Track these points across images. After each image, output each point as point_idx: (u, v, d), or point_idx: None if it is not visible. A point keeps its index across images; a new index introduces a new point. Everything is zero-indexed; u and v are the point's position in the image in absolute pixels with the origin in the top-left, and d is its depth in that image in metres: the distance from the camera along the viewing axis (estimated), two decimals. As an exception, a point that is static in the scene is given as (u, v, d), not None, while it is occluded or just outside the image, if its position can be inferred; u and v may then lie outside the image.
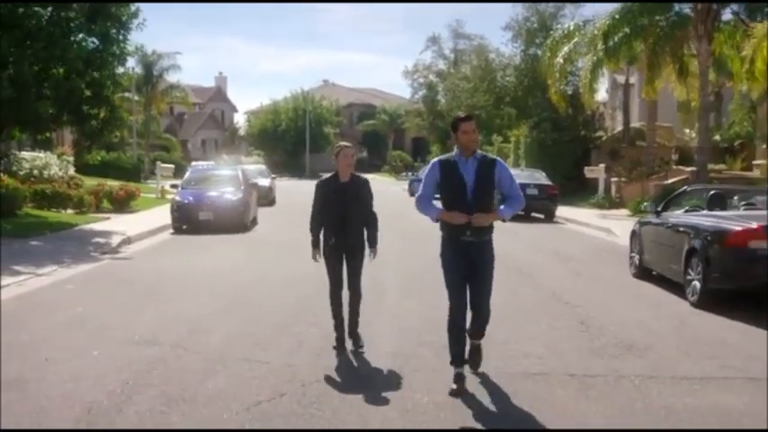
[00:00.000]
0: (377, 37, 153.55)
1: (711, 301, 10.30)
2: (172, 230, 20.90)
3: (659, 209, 13.06)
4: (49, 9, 19.89)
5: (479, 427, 5.69)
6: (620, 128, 39.26)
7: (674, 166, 32.22)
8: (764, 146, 29.85)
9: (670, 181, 27.95)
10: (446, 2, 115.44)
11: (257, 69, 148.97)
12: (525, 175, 27.13)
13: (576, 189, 33.87)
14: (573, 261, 15.69)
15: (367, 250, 7.94)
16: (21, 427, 5.08)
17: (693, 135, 36.52)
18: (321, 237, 7.88)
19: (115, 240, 17.89)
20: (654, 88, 29.89)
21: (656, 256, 12.50)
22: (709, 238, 10.50)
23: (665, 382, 6.92)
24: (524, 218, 23.96)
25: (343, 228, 7.75)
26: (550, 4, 41.27)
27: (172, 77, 58.92)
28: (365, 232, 7.93)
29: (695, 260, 10.64)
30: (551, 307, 10.55)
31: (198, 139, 79.95)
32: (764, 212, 10.80)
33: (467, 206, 6.49)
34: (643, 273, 13.04)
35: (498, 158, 6.91)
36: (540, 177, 27.74)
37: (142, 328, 8.91)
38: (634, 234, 13.73)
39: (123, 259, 15.77)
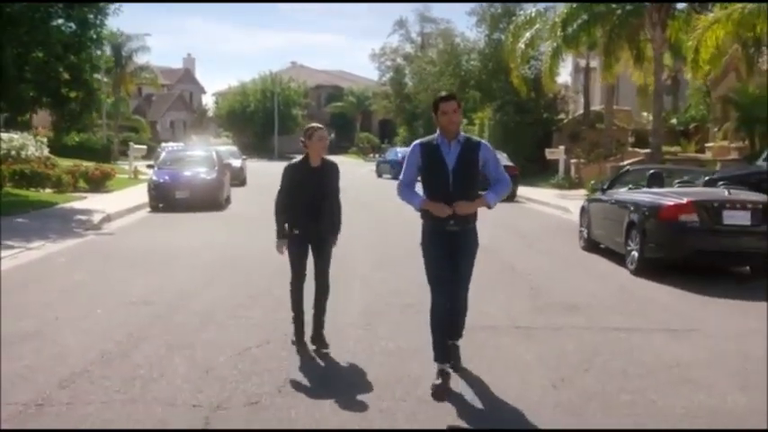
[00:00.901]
0: (344, 19, 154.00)
1: (648, 268, 11.50)
2: (149, 209, 21.79)
3: (605, 187, 14.28)
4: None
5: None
6: (582, 111, 40.59)
7: (631, 149, 33.55)
8: (716, 129, 31.22)
9: (626, 162, 29.19)
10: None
11: (225, 50, 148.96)
12: (489, 157, 28.22)
13: (538, 170, 35.07)
14: (529, 237, 16.84)
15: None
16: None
17: (651, 118, 37.93)
18: (287, 226, 7.20)
19: (96, 218, 18.74)
20: (611, 73, 31.21)
21: (601, 230, 13.70)
22: (645, 212, 11.69)
23: (597, 332, 8.08)
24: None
25: (314, 215, 7.07)
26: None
27: (141, 59, 59.29)
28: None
29: (634, 232, 11.83)
30: (506, 276, 11.65)
31: (167, 120, 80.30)
32: (694, 189, 12.02)
33: (449, 193, 6.09)
34: (591, 246, 14.23)
35: (483, 141, 6.48)
36: (502, 158, 28.82)
37: (136, 293, 9.89)
38: (583, 210, 14.93)
39: (106, 235, 16.67)
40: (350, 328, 8.06)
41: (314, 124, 7.41)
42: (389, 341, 7.57)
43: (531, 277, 11.50)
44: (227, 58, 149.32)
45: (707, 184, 13.49)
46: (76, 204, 22.09)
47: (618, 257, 12.68)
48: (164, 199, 21.67)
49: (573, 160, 33.64)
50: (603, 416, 5.62)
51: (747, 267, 11.93)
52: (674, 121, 38.82)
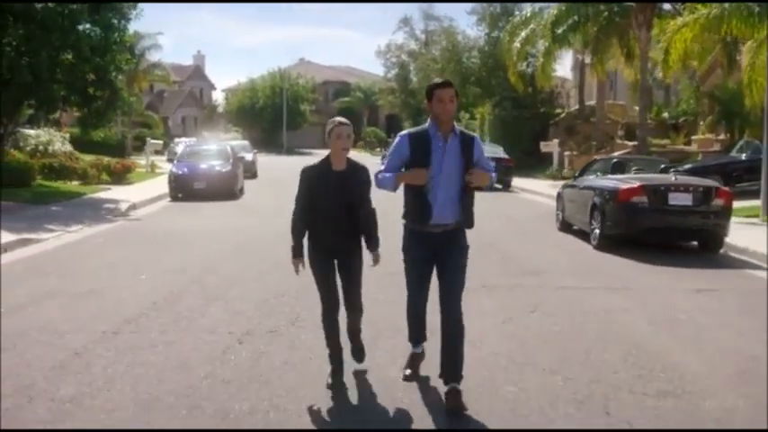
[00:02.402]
0: (349, 11, 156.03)
1: (608, 244, 13.37)
2: (169, 198, 23.72)
3: (577, 174, 16.15)
4: (56, 3, 22.47)
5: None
6: (590, 102, 42.35)
7: (621, 141, 35.33)
8: (701, 122, 33.02)
9: (615, 154, 30.99)
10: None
11: (234, 46, 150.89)
12: (485, 149, 30.12)
13: (534, 162, 36.89)
14: (515, 221, 18.70)
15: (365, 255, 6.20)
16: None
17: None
18: (306, 241, 6.20)
19: (123, 206, 20.69)
20: (603, 69, 33.07)
21: (572, 212, 15.57)
22: (606, 195, 13.56)
23: (548, 289, 9.98)
24: (485, 187, 26.88)
25: (337, 228, 5.98)
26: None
27: (153, 56, 61.12)
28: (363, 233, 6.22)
29: (596, 213, 13.71)
30: (484, 251, 13.39)
31: (178, 116, 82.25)
32: (647, 175, 13.90)
33: (434, 195, 5.61)
34: (565, 226, 16.11)
35: (476, 135, 5.97)
36: (498, 151, 30.73)
37: (170, 264, 11.80)
38: (559, 196, 16.81)
39: (134, 220, 18.61)
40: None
41: (337, 118, 6.12)
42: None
43: (508, 251, 13.37)
44: (237, 55, 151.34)
45: (688, 172, 15.37)
46: (102, 195, 24.05)
47: (585, 235, 14.55)
48: (183, 189, 23.60)
49: (566, 153, 35.42)
50: (535, 340, 7.48)
51: (696, 243, 13.79)
52: (665, 114, 40.64)
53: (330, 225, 6.00)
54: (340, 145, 5.92)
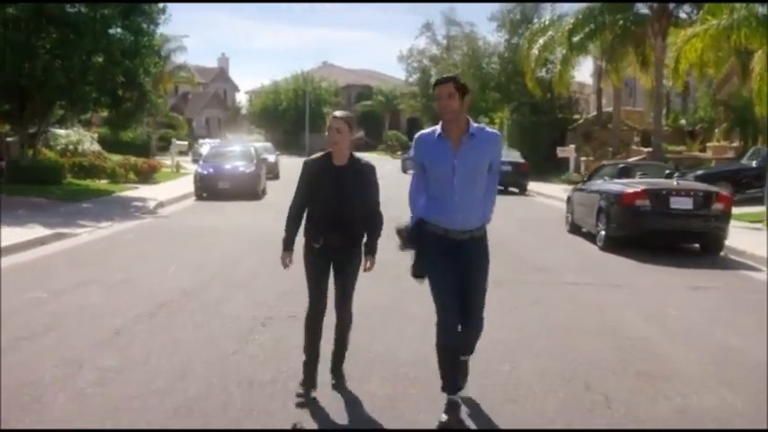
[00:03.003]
0: (373, 13, 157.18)
1: (613, 245, 14.02)
2: (195, 197, 24.55)
3: (586, 179, 16.79)
4: (89, 8, 23.36)
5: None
6: (607, 109, 42.94)
7: (636, 147, 35.85)
8: (716, 130, 33.53)
9: (630, 160, 31.55)
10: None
11: (257, 48, 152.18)
12: (502, 154, 30.83)
13: (551, 167, 37.45)
14: (527, 223, 19.34)
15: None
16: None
17: (662, 120, 40.25)
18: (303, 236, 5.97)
19: (151, 204, 21.51)
20: (619, 77, 33.65)
21: (581, 215, 16.21)
22: (611, 199, 14.21)
23: (551, 284, 10.68)
24: (500, 191, 27.61)
25: (334, 226, 5.73)
26: (532, -2, 44.96)
27: (178, 58, 62.15)
28: (364, 235, 5.90)
29: (602, 215, 14.36)
30: (496, 250, 14.06)
31: (202, 117, 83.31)
32: (651, 180, 14.54)
33: (453, 203, 5.22)
34: (574, 228, 16.74)
35: (497, 133, 5.63)
36: (515, 155, 31.39)
37: (197, 258, 12.58)
38: (569, 199, 17.45)
39: (162, 218, 19.42)
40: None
41: (335, 112, 5.92)
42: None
43: (517, 251, 14.03)
44: (260, 57, 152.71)
45: (699, 178, 16.03)
46: (130, 193, 24.91)
47: (593, 238, 15.18)
48: (208, 189, 24.42)
49: (582, 158, 35.99)
50: (532, 328, 8.16)
51: (698, 245, 14.40)
52: (683, 121, 41.12)
53: (325, 222, 5.76)
54: (330, 138, 5.70)
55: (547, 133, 39.70)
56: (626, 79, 43.27)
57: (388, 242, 5.86)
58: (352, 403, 5.75)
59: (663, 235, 13.75)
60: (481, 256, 5.46)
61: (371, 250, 5.90)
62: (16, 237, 13.85)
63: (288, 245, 5.99)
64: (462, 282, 5.35)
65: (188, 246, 14.18)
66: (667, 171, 16.29)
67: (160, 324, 7.93)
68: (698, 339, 7.97)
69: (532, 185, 31.15)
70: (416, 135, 5.51)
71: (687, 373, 6.69)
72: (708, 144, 34.01)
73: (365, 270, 5.90)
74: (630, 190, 13.88)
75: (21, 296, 9.10)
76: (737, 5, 19.06)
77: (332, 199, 5.70)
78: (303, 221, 5.93)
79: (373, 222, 5.87)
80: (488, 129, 5.48)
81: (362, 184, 5.74)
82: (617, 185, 14.58)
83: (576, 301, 9.64)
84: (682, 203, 13.52)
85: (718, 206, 13.60)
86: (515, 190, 30.15)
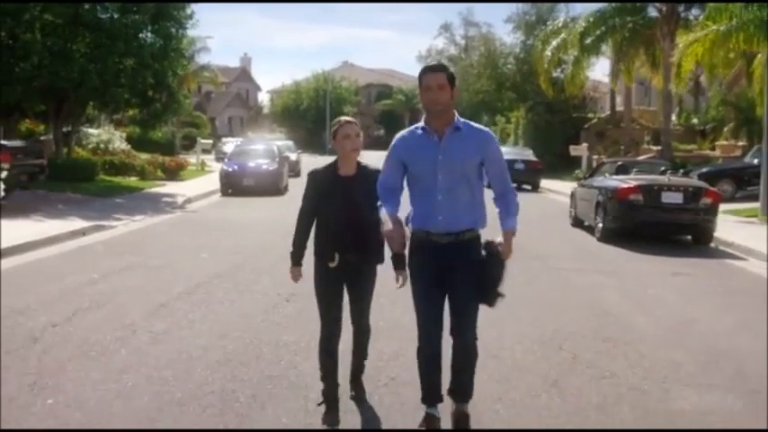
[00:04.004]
0: (391, 13, 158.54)
1: (608, 236, 15.14)
2: (220, 194, 25.84)
3: (587, 175, 17.90)
4: (121, 14, 24.68)
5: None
6: (619, 108, 43.91)
7: (647, 146, 36.86)
8: (725, 129, 34.47)
9: (640, 158, 32.58)
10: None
11: (278, 48, 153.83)
12: (515, 152, 32.09)
13: (565, 165, 38.43)
14: (534, 217, 20.40)
15: (384, 273, 5.52)
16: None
17: (673, 119, 41.23)
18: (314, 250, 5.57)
19: (179, 200, 22.83)
20: (631, 77, 34.69)
21: (582, 209, 17.34)
22: (608, 194, 15.32)
23: (546, 269, 11.86)
24: (515, 188, 28.77)
25: (345, 241, 5.35)
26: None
27: (202, 59, 63.55)
28: (382, 247, 5.42)
29: (599, 209, 15.48)
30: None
31: (225, 116, 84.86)
32: (645, 176, 15.66)
33: (436, 202, 4.84)
34: (576, 222, 17.87)
35: (488, 131, 5.08)
36: (528, 154, 32.52)
37: (227, 247, 13.81)
38: (572, 195, 18.57)
39: (191, 212, 20.71)
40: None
41: (340, 118, 5.58)
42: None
43: (520, 241, 15.00)
44: (281, 56, 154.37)
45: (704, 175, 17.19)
46: (159, 189, 26.26)
47: (592, 230, 16.30)
48: (233, 185, 25.71)
49: (595, 156, 37.00)
50: (520, 304, 9.31)
51: (690, 237, 15.48)
52: (695, 121, 42.03)
53: (336, 237, 5.37)
54: (349, 146, 5.31)
55: (561, 132, 40.74)
56: (641, 79, 44.36)
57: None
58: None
59: (655, 227, 14.85)
60: (468, 264, 4.90)
61: (399, 263, 5.25)
62: (61, 228, 15.18)
63: (297, 259, 5.66)
64: (448, 290, 4.96)
65: (217, 237, 15.40)
66: (662, 168, 17.38)
67: (199, 299, 9.17)
68: (664, 313, 9.13)
69: (545, 183, 32.25)
70: (397, 135, 5.08)
71: (647, 337, 7.85)
72: (717, 143, 34.93)
73: (398, 287, 5.29)
74: (625, 185, 15.00)
75: (76, 277, 10.38)
76: (736, 11, 20.03)
77: (344, 212, 5.30)
78: (312, 238, 5.56)
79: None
80: (478, 126, 4.97)
81: (373, 193, 5.13)
82: (614, 181, 15.71)
83: (564, 283, 10.81)
84: (672, 198, 14.63)
85: (706, 201, 14.71)
86: (528, 187, 31.23)
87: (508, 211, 5.05)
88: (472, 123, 4.97)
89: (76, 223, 16.14)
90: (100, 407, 5.56)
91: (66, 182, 23.45)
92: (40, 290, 9.51)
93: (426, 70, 4.86)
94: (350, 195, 5.29)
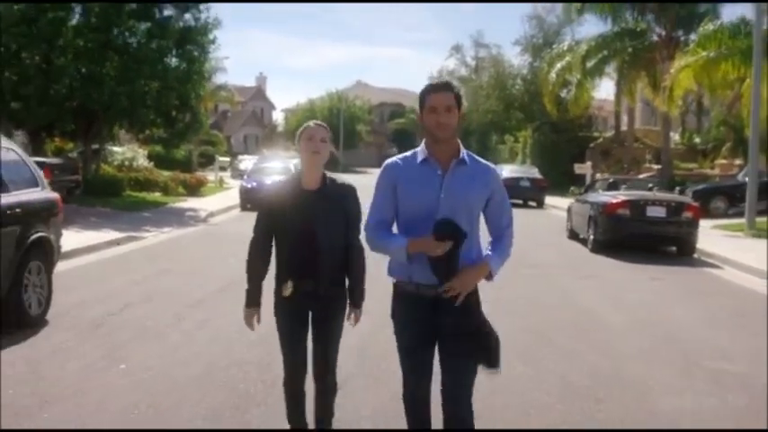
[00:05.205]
0: (406, 32, 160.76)
1: (598, 247, 16.52)
2: (240, 208, 27.33)
3: (583, 191, 19.32)
4: (147, 39, 26.25)
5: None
6: (624, 128, 45.35)
7: (649, 165, 38.22)
8: (723, 148, 35.83)
9: (641, 176, 33.95)
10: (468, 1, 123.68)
11: (292, 67, 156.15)
12: (521, 170, 33.64)
13: (570, 183, 39.86)
14: (534, 231, 21.80)
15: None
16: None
17: (676, 138, 42.68)
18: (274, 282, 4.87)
19: (202, 214, 24.31)
20: (633, 98, 36.13)
21: (576, 223, 18.73)
22: (598, 208, 16.71)
23: (536, 275, 13.22)
24: (520, 205, 30.28)
25: (308, 268, 4.59)
26: (554, 23, 47.71)
27: (219, 79, 65.28)
28: (345, 277, 4.75)
29: (591, 222, 16.86)
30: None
31: (240, 134, 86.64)
32: (632, 192, 17.06)
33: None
34: (572, 235, 19.26)
35: (493, 167, 4.37)
36: (533, 172, 33.95)
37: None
38: (569, 209, 19.97)
39: (213, 225, 22.19)
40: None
41: (310, 122, 4.76)
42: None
43: (518, 251, 16.48)
44: (295, 75, 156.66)
45: (695, 194, 18.68)
46: (182, 204, 27.74)
47: (585, 242, 17.67)
48: (252, 201, 27.15)
49: (598, 174, 38.35)
50: (506, 300, 10.69)
51: (674, 248, 16.83)
52: (697, 140, 43.39)
53: (295, 263, 4.61)
54: (311, 147, 4.53)
55: (566, 151, 42.13)
56: (647, 100, 45.76)
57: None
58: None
59: (641, 238, 16.22)
60: (463, 325, 4.11)
61: (359, 297, 4.73)
62: (98, 238, 16.67)
63: (253, 298, 4.88)
64: (439, 354, 4.22)
65: (241, 247, 16.71)
66: (650, 185, 18.77)
67: (231, 295, 10.52)
68: (634, 309, 10.52)
69: (549, 200, 33.61)
70: (387, 161, 4.28)
71: (613, 327, 9.24)
72: (716, 162, 36.27)
73: (352, 324, 4.79)
74: (614, 200, 16.41)
75: (119, 279, 11.86)
76: (725, 39, 21.47)
77: (302, 233, 4.54)
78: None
79: (354, 259, 4.69)
80: (483, 161, 4.25)
81: (341, 213, 4.59)
82: (604, 197, 17.11)
83: (551, 286, 12.22)
84: (656, 212, 16.02)
85: (687, 214, 16.10)
86: (533, 204, 32.65)
87: (499, 250, 4.27)
88: (476, 157, 4.24)
89: (111, 234, 17.61)
90: (164, 370, 6.99)
91: (95, 197, 24.99)
92: (90, 289, 10.96)
93: (431, 90, 4.10)
94: (310, 212, 4.52)
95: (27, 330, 8.18)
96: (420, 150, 4.15)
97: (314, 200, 4.57)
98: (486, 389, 5.37)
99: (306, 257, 4.58)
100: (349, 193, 4.69)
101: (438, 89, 4.10)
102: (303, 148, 4.60)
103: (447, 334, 4.13)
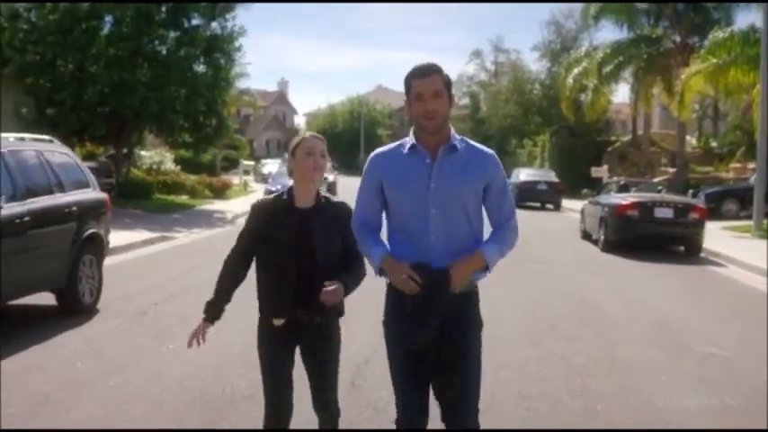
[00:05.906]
0: (426, 37, 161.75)
1: (609, 247, 17.28)
2: (264, 211, 28.24)
3: (595, 193, 20.09)
4: (176, 48, 27.23)
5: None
6: (640, 132, 45.99)
7: (665, 168, 38.83)
8: (738, 152, 36.40)
9: (656, 179, 34.60)
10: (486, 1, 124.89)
11: (313, 71, 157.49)
12: (539, 174, 34.45)
13: (587, 186, 40.47)
14: (549, 232, 22.63)
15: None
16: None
17: (693, 142, 43.28)
18: (250, 302, 4.58)
19: (229, 216, 25.27)
20: (649, 103, 36.80)
21: (589, 224, 19.50)
22: (608, 210, 17.48)
23: (544, 270, 14.05)
24: (538, 207, 31.17)
25: (298, 293, 4.12)
26: (572, 29, 48.48)
27: (242, 84, 66.36)
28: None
29: (602, 223, 17.62)
30: (513, 251, 17.56)
31: (263, 139, 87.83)
32: (642, 194, 17.82)
33: (425, 244, 3.71)
34: (585, 236, 20.03)
35: (491, 152, 3.85)
36: (551, 175, 34.71)
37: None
38: (582, 211, 20.74)
39: (241, 226, 22.92)
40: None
41: (305, 132, 4.37)
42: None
43: (531, 250, 17.28)
44: (316, 80, 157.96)
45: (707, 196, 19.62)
46: (209, 207, 28.75)
47: (597, 242, 18.43)
48: (276, 203, 28.07)
49: (614, 178, 39.00)
50: (514, 291, 11.50)
51: (682, 247, 17.56)
52: (713, 144, 43.94)
53: (283, 288, 4.18)
54: (311, 164, 4.12)
55: (583, 154, 42.77)
56: (665, 105, 46.33)
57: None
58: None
59: (650, 238, 16.99)
60: (464, 322, 3.86)
61: (345, 283, 4.06)
62: (133, 238, 17.61)
63: (213, 312, 4.46)
64: (439, 355, 3.80)
65: (267, 246, 17.71)
66: (659, 188, 19.52)
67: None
68: (636, 303, 11.31)
69: (566, 202, 34.35)
70: (373, 153, 3.95)
71: (613, 318, 10.05)
72: (730, 165, 36.84)
73: (326, 296, 3.94)
74: (623, 202, 17.18)
75: (158, 274, 12.80)
76: (735, 47, 22.16)
77: (295, 256, 4.12)
78: (255, 290, 4.43)
79: (353, 276, 4.16)
80: (479, 145, 3.86)
81: (338, 233, 4.17)
82: (614, 199, 17.88)
83: (558, 281, 13.02)
84: (664, 213, 16.78)
85: (693, 215, 16.85)
86: (551, 206, 33.42)
87: (499, 239, 3.89)
88: (471, 141, 3.86)
89: (144, 234, 18.56)
90: (208, 349, 7.85)
91: (126, 199, 25.96)
92: (132, 283, 11.89)
93: (416, 74, 3.71)
94: (306, 234, 4.12)
95: (81, 317, 9.11)
96: (408, 138, 3.78)
97: (309, 220, 4.15)
98: (492, 366, 5.91)
99: (300, 283, 4.10)
100: (344, 212, 4.17)
101: (423, 73, 3.68)
102: (301, 163, 4.14)
103: (451, 337, 3.82)
